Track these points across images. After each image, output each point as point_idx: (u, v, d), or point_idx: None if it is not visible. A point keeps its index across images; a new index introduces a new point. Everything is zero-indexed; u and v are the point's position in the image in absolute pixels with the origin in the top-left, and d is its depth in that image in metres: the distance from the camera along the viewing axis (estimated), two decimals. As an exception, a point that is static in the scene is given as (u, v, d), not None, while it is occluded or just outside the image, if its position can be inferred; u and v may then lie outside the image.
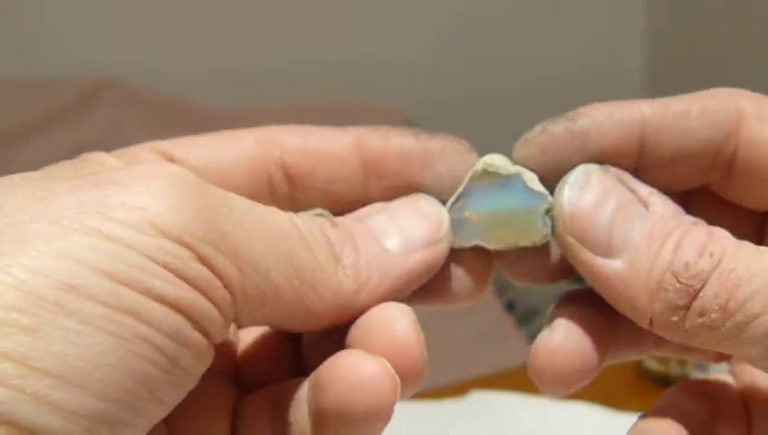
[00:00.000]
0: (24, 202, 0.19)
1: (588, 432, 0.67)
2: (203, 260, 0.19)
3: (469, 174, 0.25)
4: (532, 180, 0.25)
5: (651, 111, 0.25)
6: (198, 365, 0.20)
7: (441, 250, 0.25)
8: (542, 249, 0.26)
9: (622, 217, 0.23)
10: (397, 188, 0.26)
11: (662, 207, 0.24)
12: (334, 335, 0.24)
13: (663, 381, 0.79)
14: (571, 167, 0.25)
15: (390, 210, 0.25)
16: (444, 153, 0.26)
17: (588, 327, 0.24)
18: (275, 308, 0.22)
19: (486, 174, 0.25)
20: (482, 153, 0.27)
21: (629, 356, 0.26)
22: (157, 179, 0.20)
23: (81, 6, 1.39)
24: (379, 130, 0.26)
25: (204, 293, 0.20)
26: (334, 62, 1.49)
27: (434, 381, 0.82)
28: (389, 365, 0.21)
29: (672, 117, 0.24)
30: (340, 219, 0.24)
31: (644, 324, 0.23)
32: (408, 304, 0.23)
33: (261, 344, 0.26)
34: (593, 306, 0.25)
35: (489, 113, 1.58)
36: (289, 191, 0.26)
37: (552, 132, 0.25)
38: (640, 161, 0.25)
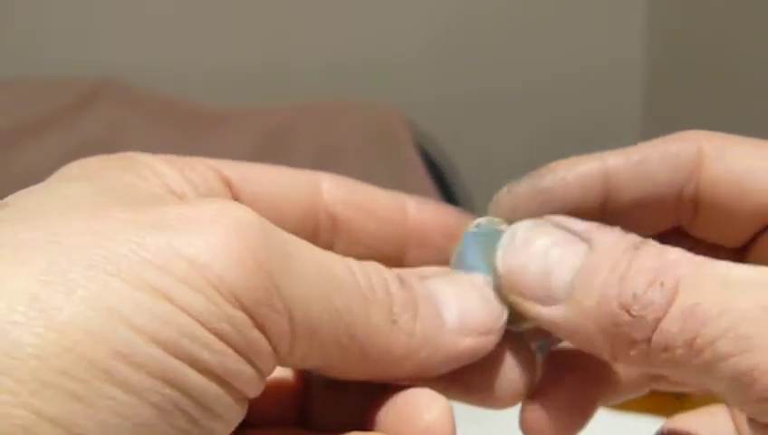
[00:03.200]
0: (80, 237, 0.18)
1: (588, 433, 0.67)
2: (258, 325, 0.19)
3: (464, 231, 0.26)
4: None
5: (613, 162, 0.25)
6: (227, 428, 0.20)
7: (492, 341, 0.24)
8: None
9: (559, 260, 0.23)
10: (432, 257, 0.26)
11: (603, 239, 0.23)
12: (349, 392, 0.24)
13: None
14: None
15: (456, 282, 0.24)
16: None
17: (575, 388, 0.25)
18: (317, 360, 0.21)
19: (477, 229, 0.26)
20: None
21: (626, 397, 0.27)
22: (220, 226, 0.19)
23: (81, 6, 1.39)
24: (429, 202, 0.27)
25: (250, 361, 0.19)
26: (334, 62, 1.49)
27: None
28: None
29: (632, 165, 0.25)
30: (404, 276, 0.23)
31: (610, 360, 0.23)
32: (447, 396, 0.23)
33: (267, 385, 0.26)
34: (580, 362, 0.25)
35: (489, 113, 1.58)
36: (331, 240, 0.26)
37: (518, 192, 0.25)
38: (606, 209, 0.25)
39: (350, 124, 1.33)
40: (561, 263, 0.23)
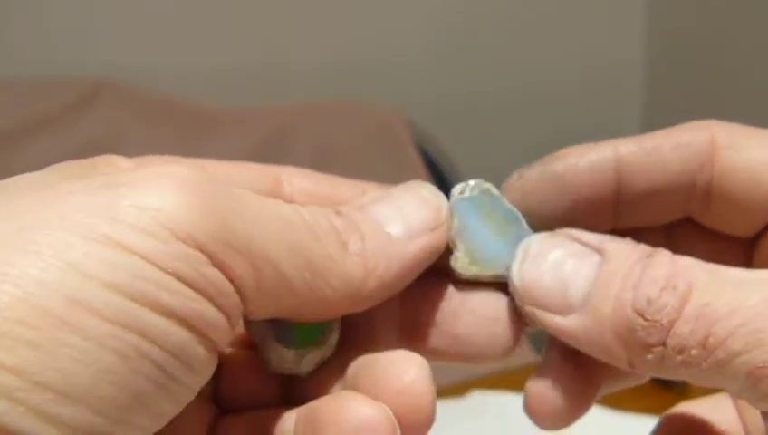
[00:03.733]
0: (32, 204, 0.19)
1: (588, 433, 0.67)
2: (216, 262, 0.19)
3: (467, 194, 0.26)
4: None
5: (625, 150, 0.25)
6: (199, 379, 0.20)
7: (442, 235, 0.25)
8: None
9: (575, 271, 0.24)
10: None
11: (615, 250, 0.23)
12: (329, 365, 0.24)
13: (665, 383, 0.79)
14: (550, 208, 0.26)
15: (391, 197, 0.25)
16: None
17: (577, 367, 0.25)
18: (287, 301, 0.22)
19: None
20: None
21: (627, 384, 0.27)
22: (167, 179, 0.20)
23: (81, 6, 1.39)
24: (382, 187, 0.27)
25: (212, 301, 0.19)
26: (334, 62, 1.49)
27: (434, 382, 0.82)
28: (391, 414, 0.21)
29: (645, 153, 0.25)
30: (342, 208, 0.24)
31: (626, 368, 0.23)
32: (427, 358, 0.23)
33: (244, 366, 0.26)
34: None
35: (489, 113, 1.58)
36: None
37: (528, 177, 0.26)
38: (618, 198, 0.25)
39: (350, 124, 1.33)
40: (576, 273, 0.23)
